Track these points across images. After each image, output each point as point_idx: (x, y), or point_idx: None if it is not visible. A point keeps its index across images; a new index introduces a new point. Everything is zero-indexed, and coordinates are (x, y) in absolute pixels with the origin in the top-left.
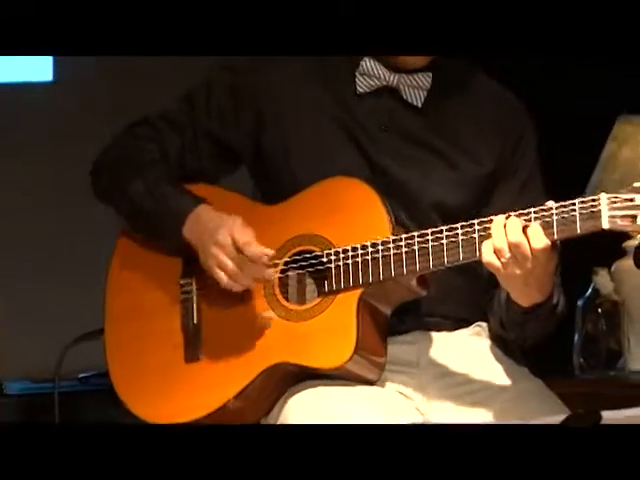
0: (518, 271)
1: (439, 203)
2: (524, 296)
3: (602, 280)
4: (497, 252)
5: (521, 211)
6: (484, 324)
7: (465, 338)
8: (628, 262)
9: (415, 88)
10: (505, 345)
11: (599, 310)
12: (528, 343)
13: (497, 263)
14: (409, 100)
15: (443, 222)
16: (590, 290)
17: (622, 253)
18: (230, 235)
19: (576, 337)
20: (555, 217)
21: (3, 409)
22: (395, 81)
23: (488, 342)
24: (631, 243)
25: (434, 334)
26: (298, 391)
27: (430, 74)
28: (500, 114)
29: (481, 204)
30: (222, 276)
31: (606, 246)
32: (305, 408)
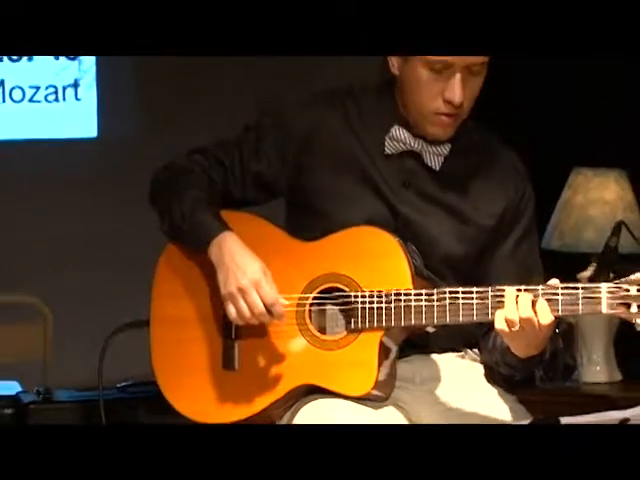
0: (524, 339)
1: (449, 253)
2: (523, 352)
3: None
4: (508, 322)
5: (530, 287)
6: (471, 351)
7: (452, 359)
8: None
9: (435, 155)
10: (491, 374)
11: (557, 330)
12: (516, 380)
13: (507, 330)
14: (429, 164)
15: (451, 269)
16: None
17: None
18: (255, 287)
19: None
20: (561, 297)
21: (52, 414)
22: (419, 147)
23: (471, 363)
24: (584, 274)
25: (428, 356)
26: (309, 401)
27: (449, 145)
28: (506, 176)
29: (484, 254)
30: (231, 310)
31: (563, 279)
32: (314, 414)
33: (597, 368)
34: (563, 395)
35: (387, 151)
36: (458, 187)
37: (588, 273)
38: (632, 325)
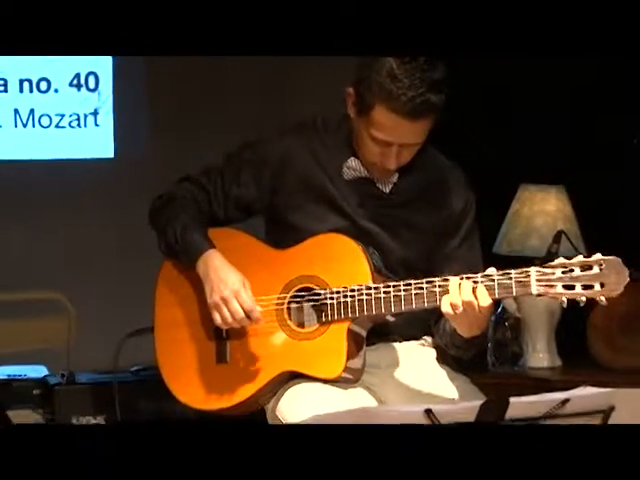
0: (466, 320)
1: (403, 257)
2: (467, 332)
3: (509, 303)
4: (453, 306)
5: (470, 275)
6: (428, 338)
7: (414, 347)
8: None
9: (385, 181)
10: (444, 354)
11: (506, 324)
12: (464, 359)
13: (452, 313)
14: (380, 188)
15: (407, 269)
16: (500, 309)
17: None
18: (235, 297)
19: (490, 343)
20: (496, 282)
21: (74, 394)
22: (371, 176)
23: (430, 350)
24: None
25: (391, 345)
26: (290, 386)
27: (397, 173)
28: (448, 187)
29: (433, 254)
30: (217, 317)
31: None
32: (294, 398)
33: (540, 355)
34: (512, 378)
35: (345, 177)
36: (407, 202)
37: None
38: (572, 313)
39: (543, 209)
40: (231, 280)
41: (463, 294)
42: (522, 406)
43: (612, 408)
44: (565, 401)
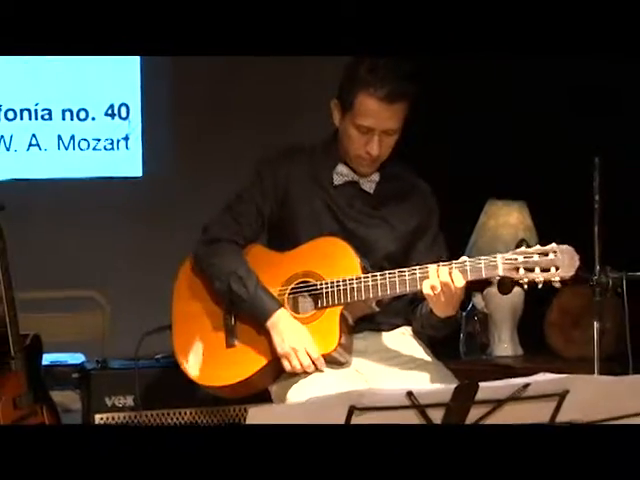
0: (444, 299)
1: (386, 251)
2: (443, 312)
3: (478, 300)
4: (432, 288)
5: (446, 262)
6: (408, 328)
7: (398, 335)
8: (494, 289)
9: (369, 182)
10: (421, 339)
11: (475, 318)
12: (438, 337)
13: (432, 294)
14: (365, 189)
15: (389, 262)
16: (470, 306)
17: (490, 284)
18: (304, 349)
19: (461, 334)
20: (469, 266)
21: (107, 378)
22: (357, 178)
23: (410, 338)
24: (495, 279)
25: (377, 334)
26: None
27: (378, 174)
28: (418, 196)
29: (410, 250)
30: (286, 364)
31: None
32: (296, 377)
33: (505, 345)
34: (480, 365)
35: (335, 182)
36: (387, 204)
37: (497, 278)
38: (531, 310)
39: (507, 221)
40: (300, 334)
41: (441, 277)
42: (489, 389)
43: (566, 391)
44: (526, 385)
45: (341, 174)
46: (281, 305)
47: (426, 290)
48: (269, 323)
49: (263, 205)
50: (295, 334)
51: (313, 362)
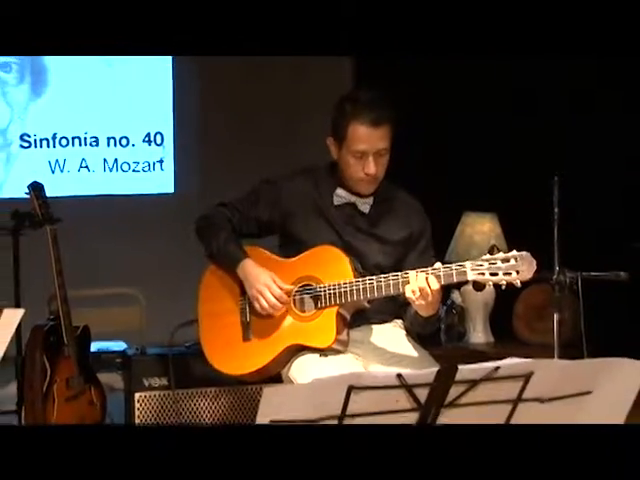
0: (423, 302)
1: (377, 263)
2: (425, 312)
3: (456, 296)
4: (412, 292)
5: (424, 269)
6: (399, 321)
7: (389, 328)
8: (469, 287)
9: (364, 204)
10: (410, 333)
11: (454, 311)
12: (425, 333)
13: (413, 297)
14: (361, 209)
15: (380, 271)
16: (449, 301)
17: (466, 282)
18: (267, 288)
19: (442, 325)
20: (442, 273)
21: (145, 362)
22: (354, 200)
23: (401, 330)
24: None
25: (371, 326)
26: (297, 357)
27: (372, 197)
28: (410, 213)
29: (402, 260)
30: (257, 305)
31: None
32: (301, 364)
33: (479, 334)
34: (458, 351)
35: (335, 203)
36: (380, 222)
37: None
38: (501, 304)
39: (480, 229)
40: (263, 277)
41: (419, 282)
42: (467, 371)
43: (531, 373)
44: (497, 368)
45: (340, 196)
46: (247, 256)
47: (407, 294)
48: (238, 270)
49: (258, 211)
50: (258, 278)
51: (277, 299)
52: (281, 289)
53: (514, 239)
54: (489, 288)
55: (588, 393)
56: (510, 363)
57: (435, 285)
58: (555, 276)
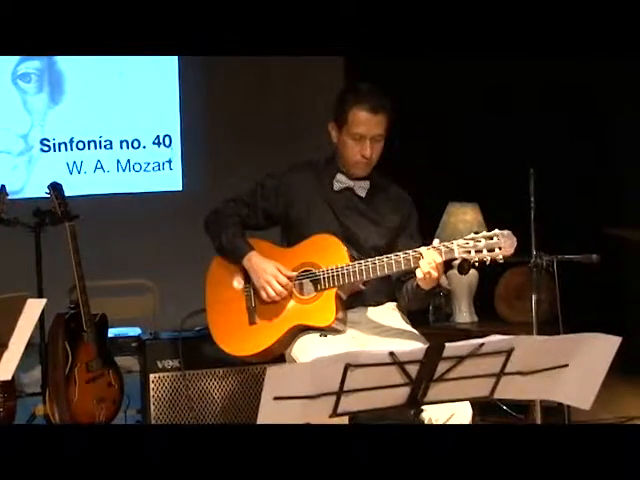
0: (436, 274)
1: (374, 244)
2: (428, 285)
3: (442, 279)
4: (429, 264)
5: (435, 245)
6: (392, 303)
7: (383, 309)
8: (454, 271)
9: (361, 188)
10: (401, 312)
11: (441, 294)
12: (421, 307)
13: (427, 270)
14: (358, 193)
15: (375, 252)
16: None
17: (452, 267)
18: (274, 277)
19: (430, 307)
20: (443, 249)
21: (158, 346)
22: (352, 185)
23: (395, 312)
24: (456, 262)
25: (367, 308)
26: (299, 337)
27: (368, 182)
28: (400, 202)
29: (393, 243)
30: (263, 294)
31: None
32: (303, 343)
33: (464, 314)
34: (445, 330)
35: (335, 188)
36: (375, 207)
37: (458, 261)
38: (484, 286)
39: (464, 218)
40: (270, 268)
41: (432, 256)
42: (453, 348)
43: (512, 349)
44: (481, 345)
45: (340, 181)
46: (252, 248)
47: (425, 268)
48: (244, 262)
49: (264, 202)
50: (266, 269)
51: (284, 287)
52: (286, 277)
53: (495, 227)
54: (472, 272)
55: (565, 366)
56: (493, 340)
57: (439, 259)
58: (533, 259)
